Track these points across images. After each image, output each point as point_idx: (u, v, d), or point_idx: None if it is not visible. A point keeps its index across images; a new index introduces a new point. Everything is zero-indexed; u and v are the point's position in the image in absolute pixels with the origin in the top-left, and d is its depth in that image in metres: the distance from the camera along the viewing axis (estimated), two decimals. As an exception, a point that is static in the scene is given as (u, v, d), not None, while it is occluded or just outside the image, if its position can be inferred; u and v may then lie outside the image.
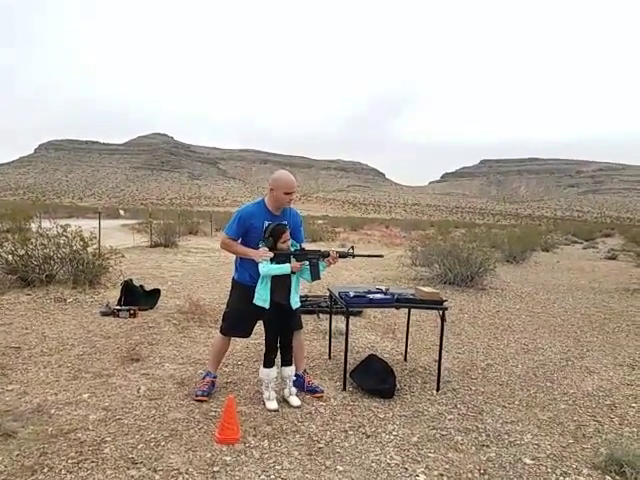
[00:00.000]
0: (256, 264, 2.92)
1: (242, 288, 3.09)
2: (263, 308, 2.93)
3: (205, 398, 3.02)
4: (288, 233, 2.95)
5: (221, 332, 3.24)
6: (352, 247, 3.04)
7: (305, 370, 3.25)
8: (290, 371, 3.05)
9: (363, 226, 40.95)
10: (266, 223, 2.99)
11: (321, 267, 2.95)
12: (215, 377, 3.23)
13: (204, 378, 3.20)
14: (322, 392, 3.16)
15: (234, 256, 3.17)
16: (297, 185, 3.03)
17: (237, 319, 3.13)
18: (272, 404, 2.94)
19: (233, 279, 3.20)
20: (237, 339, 3.56)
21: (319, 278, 2.96)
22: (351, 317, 5.35)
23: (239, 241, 3.08)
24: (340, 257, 2.95)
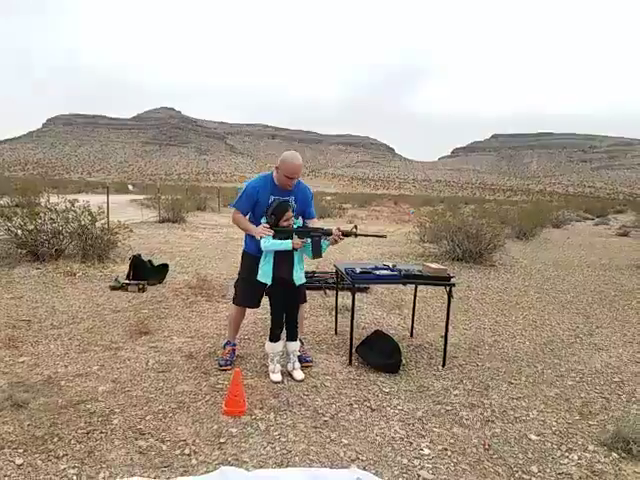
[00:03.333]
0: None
1: (249, 258, 3.14)
2: (266, 284, 2.93)
3: (229, 368, 3.12)
4: (291, 212, 2.90)
5: (233, 302, 3.32)
6: (355, 226, 3.01)
7: (301, 340, 3.26)
8: (295, 346, 3.07)
9: (372, 202, 40.69)
10: (272, 198, 2.97)
11: (323, 245, 2.93)
12: (235, 345, 3.34)
13: (224, 347, 3.31)
14: (310, 362, 3.22)
15: None
16: (301, 169, 2.98)
17: (245, 289, 3.19)
18: (276, 376, 2.97)
19: (243, 250, 3.27)
20: (248, 311, 3.59)
21: (320, 256, 2.94)
22: (357, 293, 5.35)
23: (248, 215, 3.12)
24: (343, 235, 2.93)
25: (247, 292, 3.19)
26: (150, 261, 5.88)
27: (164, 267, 5.89)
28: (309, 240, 2.91)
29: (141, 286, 5.15)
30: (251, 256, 3.13)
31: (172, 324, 4.09)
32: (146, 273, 5.53)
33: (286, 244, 2.83)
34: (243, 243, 3.30)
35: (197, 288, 5.28)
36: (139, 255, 5.83)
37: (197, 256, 7.90)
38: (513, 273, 7.45)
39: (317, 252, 2.92)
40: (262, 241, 2.83)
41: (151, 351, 3.41)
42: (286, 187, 3.01)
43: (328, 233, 2.91)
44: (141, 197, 25.09)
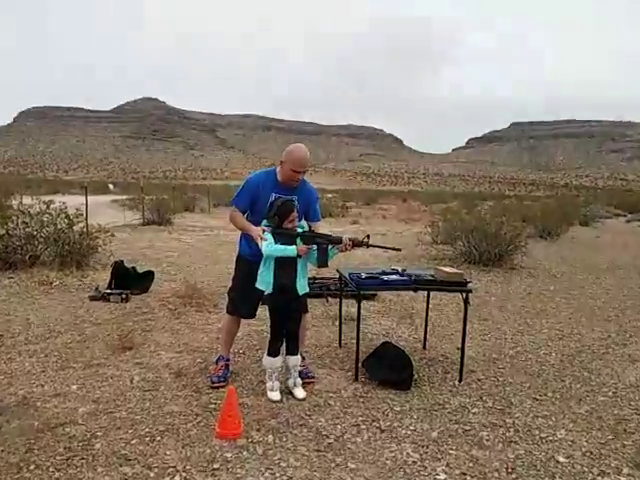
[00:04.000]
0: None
1: (245, 263, 3.17)
2: (266, 292, 2.93)
3: (222, 384, 3.12)
4: (296, 213, 2.92)
5: (227, 312, 3.34)
6: (367, 236, 3.01)
7: (302, 354, 3.27)
8: (296, 361, 3.08)
9: (378, 200, 40.71)
10: (273, 196, 3.00)
11: (330, 254, 2.95)
12: (229, 360, 3.36)
13: (217, 362, 3.33)
14: (313, 378, 3.24)
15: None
16: (308, 162, 3.01)
17: (240, 297, 3.21)
18: (275, 395, 2.97)
19: (237, 254, 3.30)
20: (243, 321, 3.60)
21: (326, 265, 2.96)
22: (363, 301, 5.30)
23: (247, 214, 3.14)
24: (354, 245, 2.95)
25: (242, 301, 3.20)
26: (134, 268, 5.90)
27: (149, 274, 5.90)
28: (315, 246, 2.92)
29: (124, 296, 5.16)
30: (247, 261, 3.14)
31: (159, 337, 4.10)
32: (129, 281, 5.54)
33: (291, 250, 2.84)
34: (237, 246, 3.32)
35: (186, 297, 5.29)
36: (121, 262, 5.84)
37: (186, 262, 7.92)
38: (536, 277, 7.45)
39: (323, 260, 2.93)
40: (264, 245, 2.84)
41: (136, 368, 3.42)
42: (291, 183, 3.03)
43: (337, 241, 2.93)
44: (123, 197, 25.17)
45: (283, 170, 3.01)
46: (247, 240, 3.13)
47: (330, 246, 2.94)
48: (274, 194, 3.02)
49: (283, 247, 2.84)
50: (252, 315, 3.34)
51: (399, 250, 3.30)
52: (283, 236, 2.88)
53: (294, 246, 2.85)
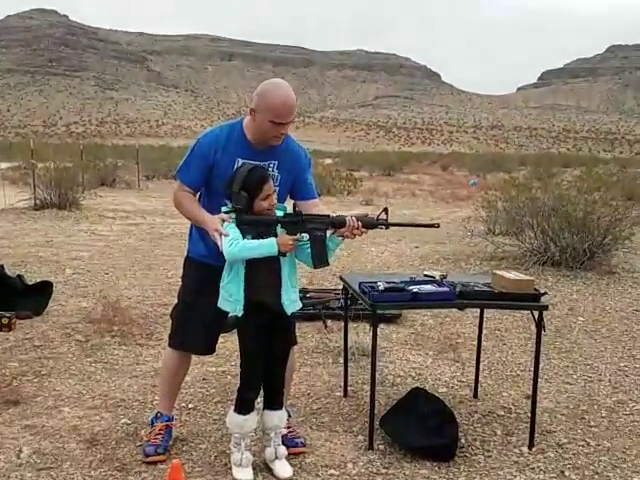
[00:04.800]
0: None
1: (199, 269, 3.17)
2: (235, 315, 2.93)
3: (162, 457, 3.12)
4: (272, 184, 2.88)
5: (169, 344, 3.33)
6: (385, 209, 2.92)
7: (287, 410, 3.27)
8: (279, 419, 3.07)
9: (403, 167, 40.77)
10: (239, 162, 2.98)
11: (331, 245, 2.90)
12: (171, 420, 3.35)
13: (153, 424, 3.31)
14: (303, 446, 3.26)
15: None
16: (295, 109, 3.00)
17: (190, 321, 3.19)
18: (245, 473, 2.95)
19: (186, 255, 3.31)
20: (194, 357, 3.60)
21: (327, 263, 2.92)
22: (382, 325, 5.36)
23: (200, 193, 3.16)
24: (365, 227, 2.89)
25: (194, 328, 3.18)
26: (20, 277, 5.87)
27: (44, 287, 5.87)
28: (306, 237, 2.89)
29: (5, 321, 5.13)
30: (201, 266, 3.15)
31: (61, 386, 4.07)
32: (13, 298, 5.50)
33: (267, 246, 2.79)
34: (187, 243, 3.31)
35: (104, 323, 5.26)
36: (1, 267, 5.80)
37: (102, 267, 7.89)
38: (648, 285, 7.48)
39: (321, 257, 2.89)
40: (225, 243, 2.79)
41: (25, 433, 3.39)
42: (268, 143, 3.00)
43: (338, 223, 2.88)
44: (3, 166, 25.00)
45: (256, 123, 2.98)
46: (200, 235, 3.13)
47: (329, 233, 2.91)
48: (240, 160, 2.99)
49: (256, 243, 2.79)
50: (210, 349, 3.34)
51: (437, 226, 3.16)
52: (255, 225, 2.85)
53: (272, 239, 2.81)
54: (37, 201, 13.66)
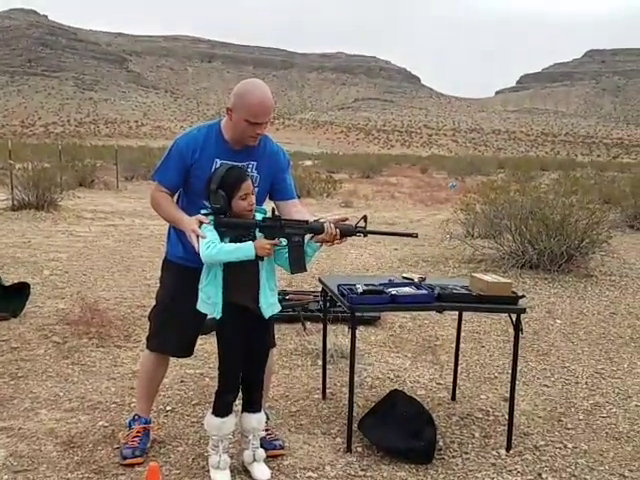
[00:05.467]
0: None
1: (177, 271, 3.16)
2: (213, 317, 2.92)
3: (139, 460, 3.10)
4: (250, 184, 2.88)
5: (147, 346, 3.32)
6: (364, 217, 2.95)
7: (266, 412, 3.28)
8: (257, 422, 3.06)
9: (383, 170, 40.90)
10: (217, 162, 2.98)
11: (309, 250, 2.91)
12: (149, 423, 3.34)
13: (130, 426, 3.30)
14: (281, 448, 3.26)
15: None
16: (272, 109, 3.00)
17: (169, 323, 3.19)
18: (222, 476, 2.95)
19: (164, 257, 3.30)
20: (172, 360, 3.58)
21: (304, 268, 2.92)
22: (361, 327, 5.37)
23: (178, 194, 3.15)
24: (343, 235, 2.89)
25: (172, 329, 3.18)
26: (-3, 278, 5.80)
27: (21, 289, 5.81)
28: (285, 241, 2.89)
29: (-18, 323, 5.08)
30: (179, 268, 3.14)
31: (38, 388, 4.04)
32: (-10, 299, 5.45)
33: (245, 249, 2.78)
34: (165, 244, 3.30)
35: (81, 324, 5.22)
36: (-23, 268, 5.75)
37: (80, 268, 7.83)
38: (625, 288, 7.56)
39: (299, 262, 2.89)
40: (202, 246, 2.78)
41: (1, 435, 3.36)
42: (246, 142, 3.00)
43: (316, 229, 2.88)
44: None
45: (233, 122, 2.97)
46: (178, 237, 3.11)
47: (307, 238, 2.91)
48: (218, 160, 2.99)
49: (233, 246, 2.79)
50: (188, 352, 3.33)
51: (414, 236, 3.17)
52: (233, 228, 2.84)
53: (250, 243, 2.80)
54: (15, 202, 13.52)
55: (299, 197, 3.32)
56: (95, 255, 8.79)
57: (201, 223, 2.82)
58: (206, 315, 2.98)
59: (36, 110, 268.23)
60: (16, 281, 6.04)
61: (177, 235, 3.13)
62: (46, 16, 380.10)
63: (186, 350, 3.32)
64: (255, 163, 3.06)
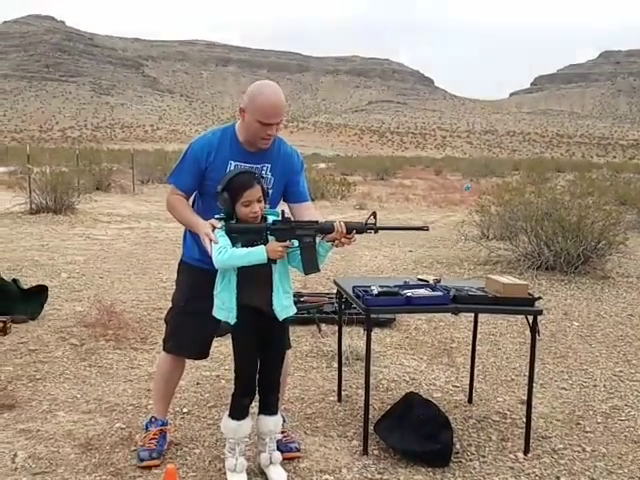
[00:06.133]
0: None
1: (193, 274, 3.17)
2: (227, 322, 2.91)
3: (156, 462, 3.11)
4: (256, 192, 2.85)
5: (164, 349, 3.33)
6: (374, 214, 2.93)
7: (282, 415, 3.27)
8: (274, 424, 3.05)
9: (397, 172, 40.86)
10: (231, 164, 2.99)
11: (321, 250, 2.89)
12: (166, 424, 3.35)
13: (148, 428, 3.31)
14: (298, 451, 3.25)
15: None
16: (284, 109, 3.00)
17: (184, 325, 3.20)
18: (239, 478, 2.94)
19: (180, 259, 3.31)
20: (189, 362, 3.59)
21: (317, 269, 2.91)
22: (376, 329, 5.35)
23: (192, 198, 3.15)
24: (351, 231, 2.88)
25: (188, 332, 3.18)
26: (16, 281, 5.84)
27: (40, 292, 5.85)
28: (296, 243, 2.88)
29: (0, 325, 5.11)
30: (196, 270, 3.14)
31: (56, 390, 4.06)
32: (9, 302, 5.48)
33: (257, 254, 2.76)
34: (181, 247, 3.31)
35: (98, 327, 5.25)
36: (-4, 271, 5.79)
37: (97, 271, 7.87)
38: (642, 289, 7.51)
39: (312, 263, 2.88)
40: (214, 251, 2.77)
41: (20, 437, 3.38)
42: (259, 144, 3.00)
43: (327, 229, 2.87)
44: (-1, 170, 24.97)
45: (246, 123, 2.98)
46: (195, 238, 3.11)
47: (319, 239, 2.90)
48: (233, 163, 2.99)
49: (245, 251, 2.78)
50: (204, 354, 3.34)
51: (426, 229, 3.19)
52: (244, 233, 2.84)
53: (262, 247, 2.78)
54: (33, 205, 13.65)
55: (313, 200, 3.32)
56: (112, 258, 8.84)
57: (214, 228, 2.83)
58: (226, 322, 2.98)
59: (53, 115, 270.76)
60: (34, 284, 6.10)
61: (193, 238, 3.13)
62: (63, 22, 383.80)
63: (202, 352, 3.33)
64: (269, 165, 3.07)
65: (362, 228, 2.91)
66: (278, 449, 3.10)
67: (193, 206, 3.16)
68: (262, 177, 2.96)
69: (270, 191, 3.01)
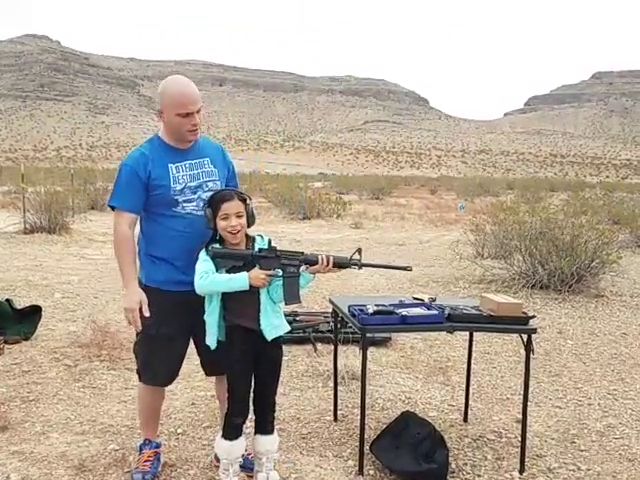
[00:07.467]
0: (177, 238, 2.99)
1: (155, 296, 3.04)
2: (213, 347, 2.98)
3: None
4: (234, 206, 2.86)
5: (141, 380, 3.30)
6: (359, 250, 2.97)
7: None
8: (270, 444, 3.05)
9: (392, 191, 40.97)
10: (172, 167, 3.02)
11: (303, 281, 2.92)
12: (159, 446, 3.34)
13: (141, 450, 3.30)
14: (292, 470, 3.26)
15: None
16: (198, 96, 3.04)
17: (156, 355, 3.12)
18: (234, 498, 2.94)
19: (142, 284, 3.15)
20: (183, 383, 3.57)
21: (299, 300, 2.92)
22: (372, 348, 5.35)
23: (138, 218, 3.08)
24: (337, 267, 2.94)
25: (160, 361, 3.13)
26: (9, 301, 5.82)
27: (34, 312, 5.84)
28: (280, 272, 2.89)
29: (-6, 345, 5.10)
30: (161, 293, 3.05)
31: (49, 411, 4.05)
32: (2, 323, 5.48)
33: (239, 280, 2.78)
34: (139, 269, 3.16)
35: (93, 347, 5.24)
36: (-10, 291, 5.78)
37: (92, 291, 7.87)
38: (636, 308, 7.53)
39: (294, 293, 2.90)
40: (196, 276, 2.80)
41: (13, 459, 3.36)
42: (188, 138, 3.04)
43: (311, 261, 2.91)
44: (-7, 190, 24.93)
45: (167, 122, 3.02)
46: (152, 259, 3.08)
47: (302, 269, 2.92)
48: (172, 165, 3.03)
49: (227, 277, 2.80)
50: (174, 378, 3.30)
51: (408, 269, 3.17)
52: (228, 259, 2.85)
53: (244, 273, 2.80)
54: (27, 225, 13.64)
55: (309, 219, 3.36)
56: (106, 277, 8.82)
57: (141, 308, 2.90)
58: (189, 339, 3.04)
59: (48, 134, 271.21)
60: (28, 304, 6.08)
61: (150, 259, 3.11)
62: (59, 42, 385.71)
63: (174, 377, 3.29)
64: (208, 158, 3.14)
65: (346, 264, 2.96)
66: (275, 468, 3.09)
67: (141, 225, 3.14)
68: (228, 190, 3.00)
69: (218, 182, 3.12)
